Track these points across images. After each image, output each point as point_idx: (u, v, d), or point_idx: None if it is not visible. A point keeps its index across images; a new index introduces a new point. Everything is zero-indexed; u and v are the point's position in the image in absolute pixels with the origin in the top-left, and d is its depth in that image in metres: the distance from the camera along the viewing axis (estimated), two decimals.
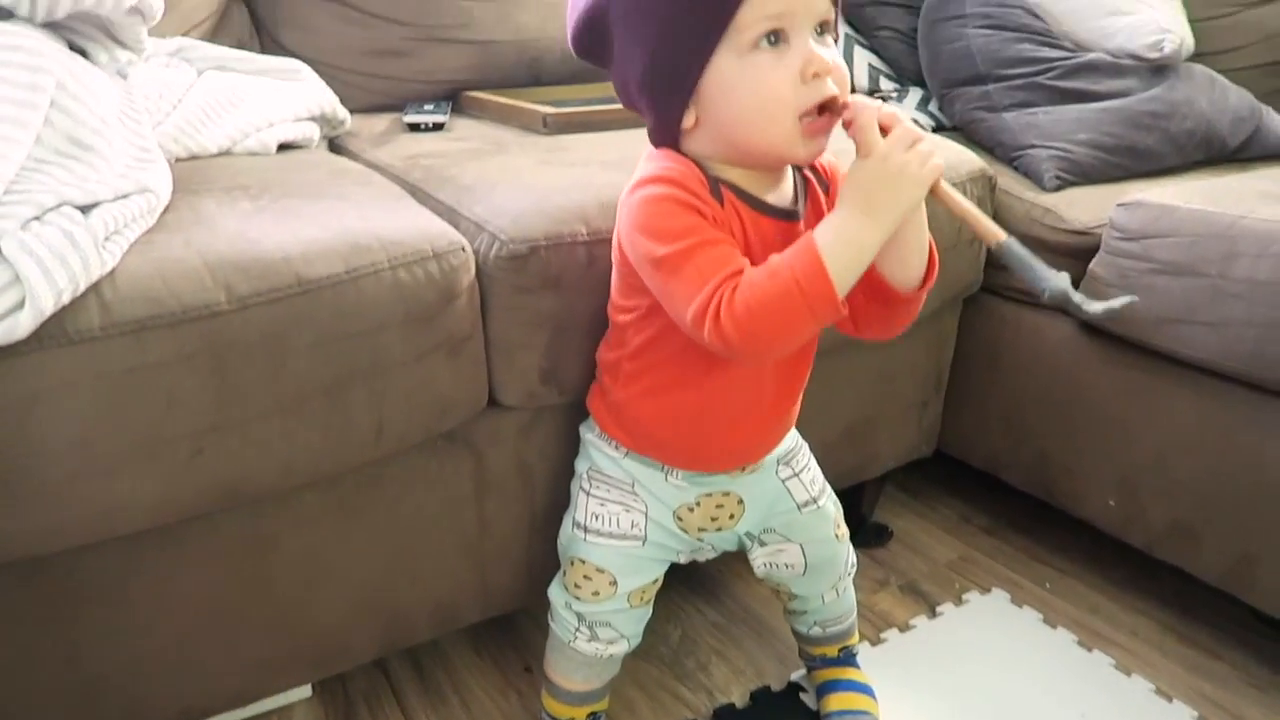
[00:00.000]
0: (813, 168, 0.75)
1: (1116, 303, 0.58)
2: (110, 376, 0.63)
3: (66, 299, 0.60)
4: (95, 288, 0.63)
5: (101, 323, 0.62)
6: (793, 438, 0.88)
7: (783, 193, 0.72)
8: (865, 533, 1.32)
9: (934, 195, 0.62)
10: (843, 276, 0.61)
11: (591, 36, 0.69)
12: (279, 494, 0.76)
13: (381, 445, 0.78)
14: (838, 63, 0.65)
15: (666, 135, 0.69)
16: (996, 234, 0.61)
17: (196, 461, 0.67)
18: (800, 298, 0.61)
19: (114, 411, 0.63)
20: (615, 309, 0.78)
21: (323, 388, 0.72)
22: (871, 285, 0.70)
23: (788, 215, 0.71)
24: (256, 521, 0.77)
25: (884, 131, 0.62)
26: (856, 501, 1.31)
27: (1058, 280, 0.59)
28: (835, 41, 0.68)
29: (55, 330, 0.60)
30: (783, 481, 0.86)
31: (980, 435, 1.28)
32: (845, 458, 1.19)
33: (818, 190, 0.74)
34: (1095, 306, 0.58)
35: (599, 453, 0.83)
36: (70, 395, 0.61)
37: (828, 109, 0.64)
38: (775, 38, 0.62)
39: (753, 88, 0.63)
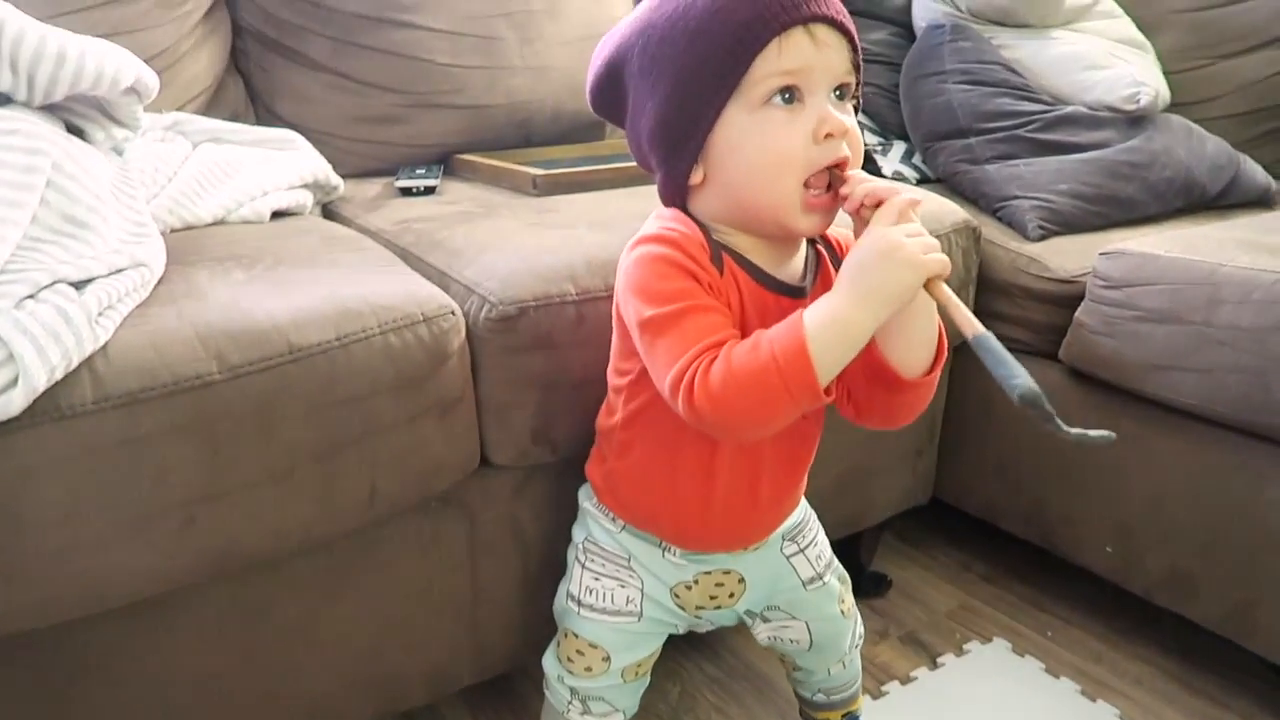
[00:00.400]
0: (828, 243, 0.72)
1: (1093, 434, 0.53)
2: (102, 450, 0.63)
3: (59, 375, 0.61)
4: (88, 362, 0.64)
5: (94, 397, 0.63)
6: (801, 509, 0.84)
7: (792, 268, 0.69)
8: (864, 582, 1.31)
9: (927, 288, 0.58)
10: (826, 361, 0.57)
11: (609, 92, 0.69)
12: (270, 562, 0.76)
13: (374, 510, 0.78)
14: (854, 130, 0.63)
15: (675, 192, 0.68)
16: (974, 326, 0.56)
17: (188, 532, 0.67)
18: (777, 377, 0.57)
19: (106, 485, 0.64)
20: (613, 371, 0.75)
21: (314, 454, 0.72)
22: (874, 369, 0.66)
23: (792, 291, 0.68)
24: (247, 590, 0.77)
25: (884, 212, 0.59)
26: (854, 550, 1.30)
27: (1030, 382, 0.54)
28: (857, 110, 0.66)
29: (48, 406, 0.61)
30: (787, 558, 0.82)
31: (976, 483, 1.28)
32: (841, 507, 1.19)
33: (829, 267, 0.71)
34: (1070, 431, 0.54)
35: (595, 524, 0.80)
36: (62, 470, 0.62)
37: (834, 182, 0.62)
38: (790, 95, 0.61)
39: (761, 143, 0.61)
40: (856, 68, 0.64)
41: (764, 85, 0.60)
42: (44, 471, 0.61)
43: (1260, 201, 1.32)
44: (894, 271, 0.57)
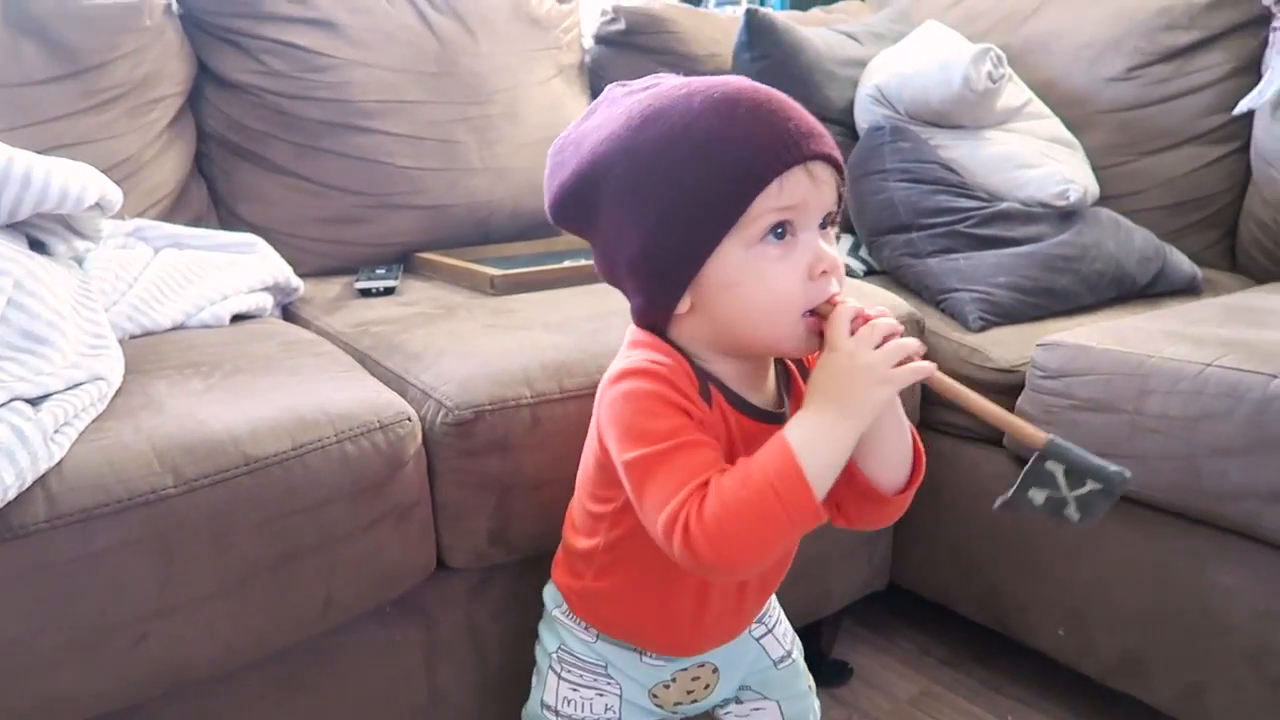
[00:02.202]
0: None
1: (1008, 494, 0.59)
2: (54, 568, 0.63)
3: (13, 495, 0.61)
4: (42, 479, 0.64)
5: (47, 514, 0.63)
6: None
7: (767, 391, 0.70)
8: (826, 671, 1.31)
9: (932, 385, 0.60)
10: (821, 478, 0.57)
11: (576, 207, 0.66)
12: (222, 675, 0.75)
13: (329, 618, 0.78)
14: (839, 260, 0.63)
15: (655, 318, 0.66)
16: (1036, 435, 0.59)
17: (139, 650, 0.67)
18: (777, 503, 0.56)
19: (57, 604, 0.63)
20: (591, 497, 0.72)
21: (269, 565, 0.72)
22: (858, 487, 0.66)
23: (775, 419, 0.67)
24: (199, 703, 0.76)
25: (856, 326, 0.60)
26: (814, 639, 1.31)
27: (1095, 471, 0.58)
28: (838, 238, 0.67)
29: None
30: (758, 640, 0.84)
31: (930, 568, 1.30)
32: (799, 596, 1.19)
33: (799, 381, 0.71)
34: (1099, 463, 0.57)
35: (569, 634, 0.79)
36: (12, 591, 0.62)
37: (824, 311, 0.62)
38: (782, 231, 0.60)
39: (760, 283, 0.60)
40: (841, 197, 0.64)
41: (761, 221, 0.59)
42: None
43: (1188, 289, 1.38)
44: (869, 389, 0.58)
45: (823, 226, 0.63)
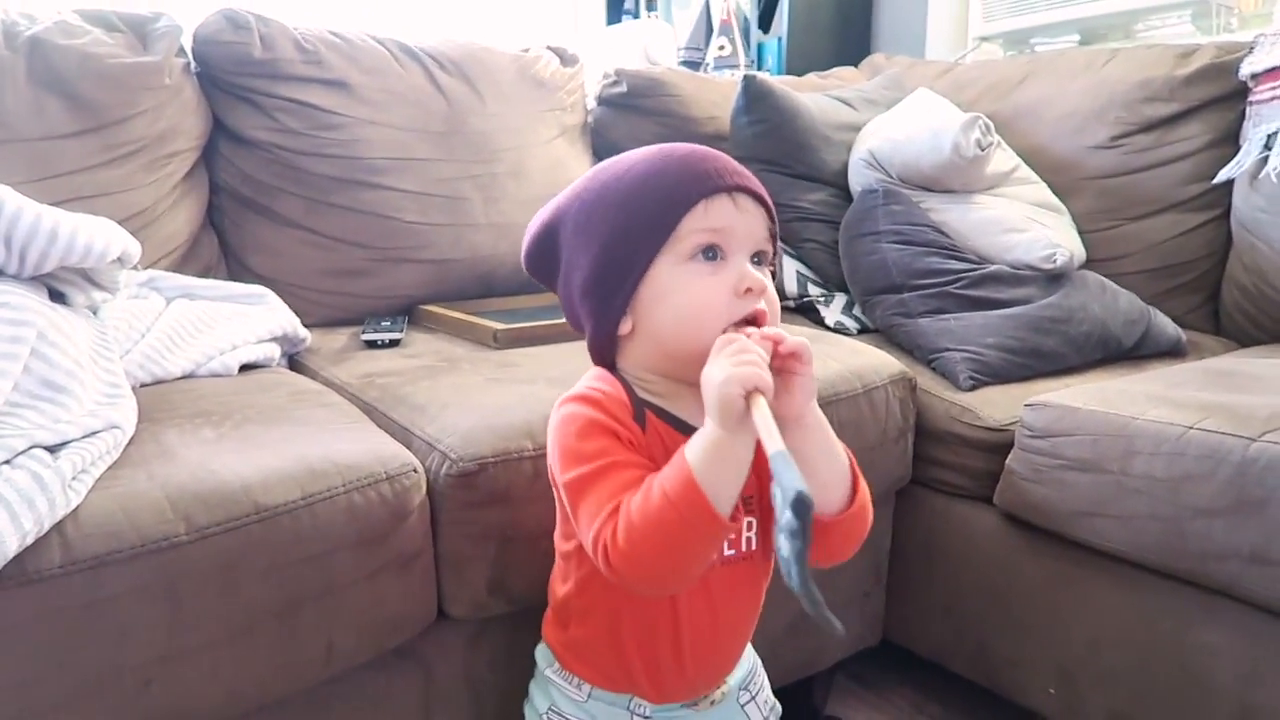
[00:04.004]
0: None
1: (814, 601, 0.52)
2: (65, 613, 0.65)
3: (31, 540, 0.63)
4: (59, 525, 0.66)
5: (61, 560, 0.65)
6: (750, 658, 0.86)
7: None
8: None
9: (747, 402, 0.59)
10: (716, 486, 0.59)
11: (541, 256, 0.74)
12: None
13: (331, 666, 0.79)
14: (771, 292, 0.68)
15: (604, 347, 0.72)
16: (776, 443, 0.56)
17: (144, 695, 0.68)
18: (674, 513, 0.59)
19: (65, 648, 0.65)
20: (560, 536, 0.77)
21: (274, 612, 0.74)
22: None
23: None
24: None
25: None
26: (808, 694, 1.31)
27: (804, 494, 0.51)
28: (773, 278, 0.71)
29: (14, 570, 0.63)
30: (742, 706, 0.83)
31: (923, 625, 1.31)
32: (792, 652, 1.21)
33: None
34: (810, 592, 0.52)
35: (560, 693, 0.79)
36: (22, 635, 0.63)
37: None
38: (713, 253, 0.67)
39: (687, 294, 0.66)
40: (773, 238, 0.70)
41: (690, 240, 0.66)
42: (4, 636, 0.62)
43: (1173, 352, 1.42)
44: (720, 389, 0.59)
45: (758, 264, 0.69)
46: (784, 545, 0.53)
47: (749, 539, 0.73)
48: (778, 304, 0.69)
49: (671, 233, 0.66)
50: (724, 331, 0.65)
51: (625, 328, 0.69)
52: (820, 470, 0.68)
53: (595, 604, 0.75)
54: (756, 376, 0.59)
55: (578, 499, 0.65)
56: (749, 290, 0.66)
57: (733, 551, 0.72)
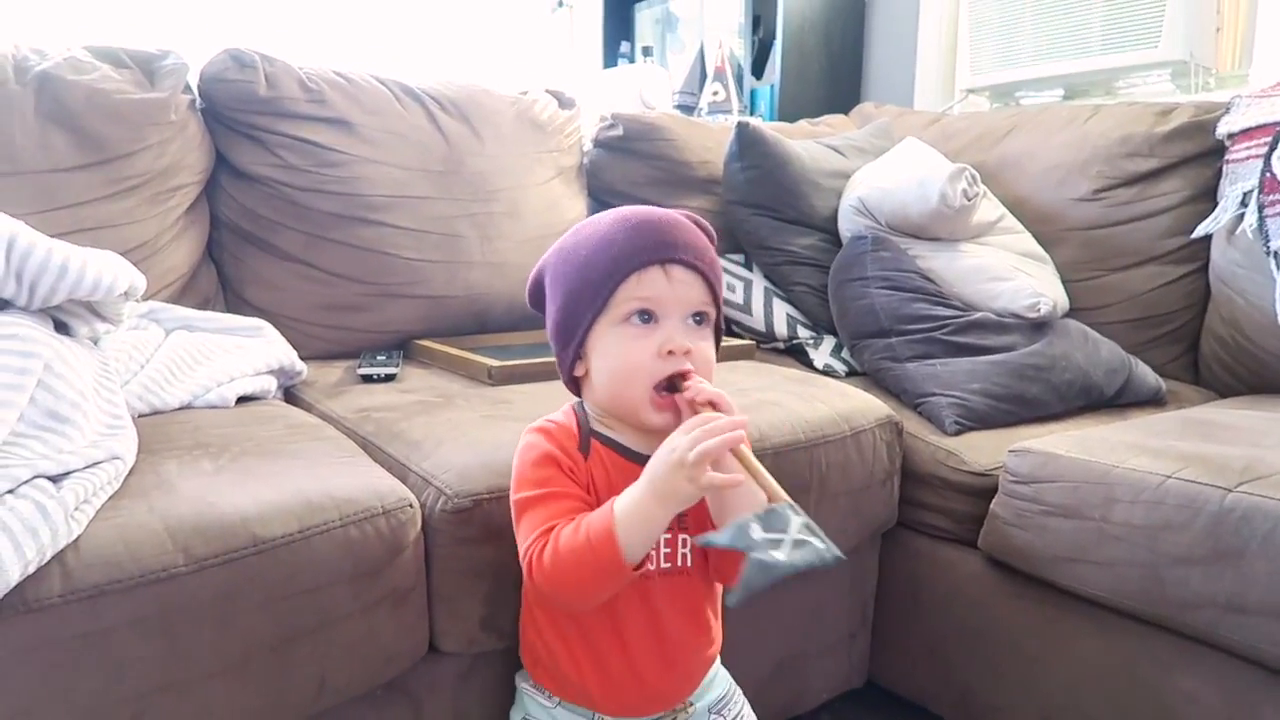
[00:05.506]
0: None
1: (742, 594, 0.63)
2: (62, 643, 0.65)
3: (33, 569, 0.64)
4: (59, 555, 0.67)
5: (61, 589, 0.66)
6: (725, 683, 0.89)
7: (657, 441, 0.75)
8: None
9: (734, 454, 0.68)
10: (633, 543, 0.68)
11: (536, 294, 0.84)
12: None
13: (322, 700, 0.80)
14: (704, 352, 0.76)
15: (568, 382, 0.82)
16: (778, 495, 0.67)
17: None
18: (590, 555, 0.68)
19: (61, 678, 0.65)
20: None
21: (269, 645, 0.75)
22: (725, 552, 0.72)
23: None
24: None
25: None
26: None
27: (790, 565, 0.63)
28: (718, 339, 0.80)
29: (14, 599, 0.63)
30: None
31: (907, 668, 1.32)
32: (778, 693, 1.21)
33: None
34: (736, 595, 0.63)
35: (532, 700, 0.84)
36: (19, 664, 0.64)
37: (676, 389, 0.74)
38: (647, 317, 0.75)
39: (618, 353, 0.75)
40: (715, 299, 0.78)
41: (624, 306, 0.75)
42: (3, 664, 0.63)
43: (1153, 401, 1.45)
44: (675, 478, 0.67)
45: (699, 324, 0.77)
46: (771, 573, 0.63)
47: (684, 555, 0.80)
48: (709, 361, 0.77)
49: (609, 299, 0.75)
50: (654, 389, 0.74)
51: (580, 370, 0.80)
52: (742, 506, 0.72)
53: (547, 613, 0.81)
54: (718, 445, 0.67)
55: (520, 516, 0.75)
56: (670, 352, 0.74)
57: (669, 565, 0.80)
